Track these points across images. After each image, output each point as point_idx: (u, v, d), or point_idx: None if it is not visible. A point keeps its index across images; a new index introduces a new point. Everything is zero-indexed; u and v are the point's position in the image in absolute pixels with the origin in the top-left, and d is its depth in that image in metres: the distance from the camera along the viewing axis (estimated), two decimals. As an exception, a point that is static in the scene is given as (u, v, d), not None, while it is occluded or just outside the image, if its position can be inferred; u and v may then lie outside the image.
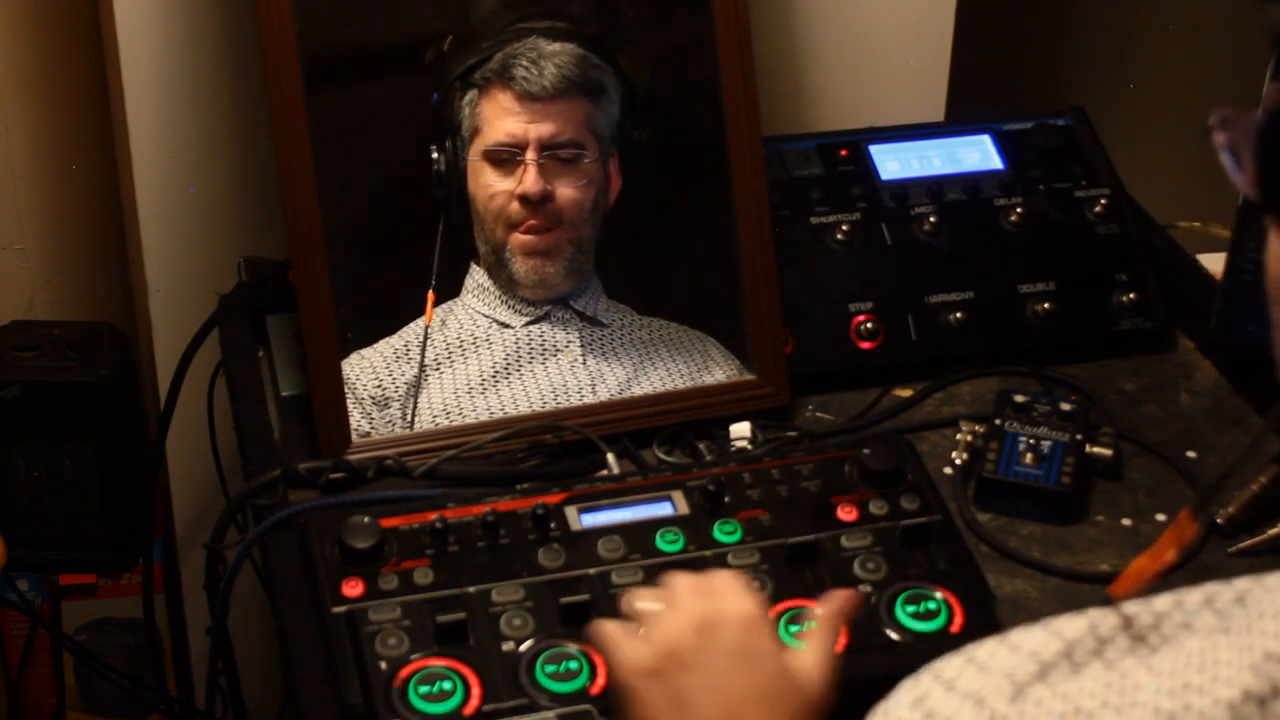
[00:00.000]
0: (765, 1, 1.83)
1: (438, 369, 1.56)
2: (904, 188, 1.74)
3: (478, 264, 1.60)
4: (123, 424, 1.91)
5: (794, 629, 1.33)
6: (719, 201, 1.62)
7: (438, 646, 1.30)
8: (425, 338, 1.56)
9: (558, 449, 1.55)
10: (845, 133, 1.79)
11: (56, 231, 2.08)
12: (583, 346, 1.59)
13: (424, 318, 1.57)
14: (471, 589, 1.34)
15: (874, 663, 1.33)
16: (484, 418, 1.55)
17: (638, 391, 1.58)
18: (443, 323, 1.57)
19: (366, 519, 1.37)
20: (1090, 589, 1.44)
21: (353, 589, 1.34)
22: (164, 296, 1.83)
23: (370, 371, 1.56)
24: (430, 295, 1.57)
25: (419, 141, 1.58)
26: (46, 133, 2.03)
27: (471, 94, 1.58)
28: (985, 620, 1.37)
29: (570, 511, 1.42)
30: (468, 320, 1.58)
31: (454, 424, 1.55)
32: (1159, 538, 1.12)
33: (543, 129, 1.57)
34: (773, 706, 1.10)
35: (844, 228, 1.70)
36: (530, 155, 1.57)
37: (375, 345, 1.57)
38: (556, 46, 1.58)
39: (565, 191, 1.58)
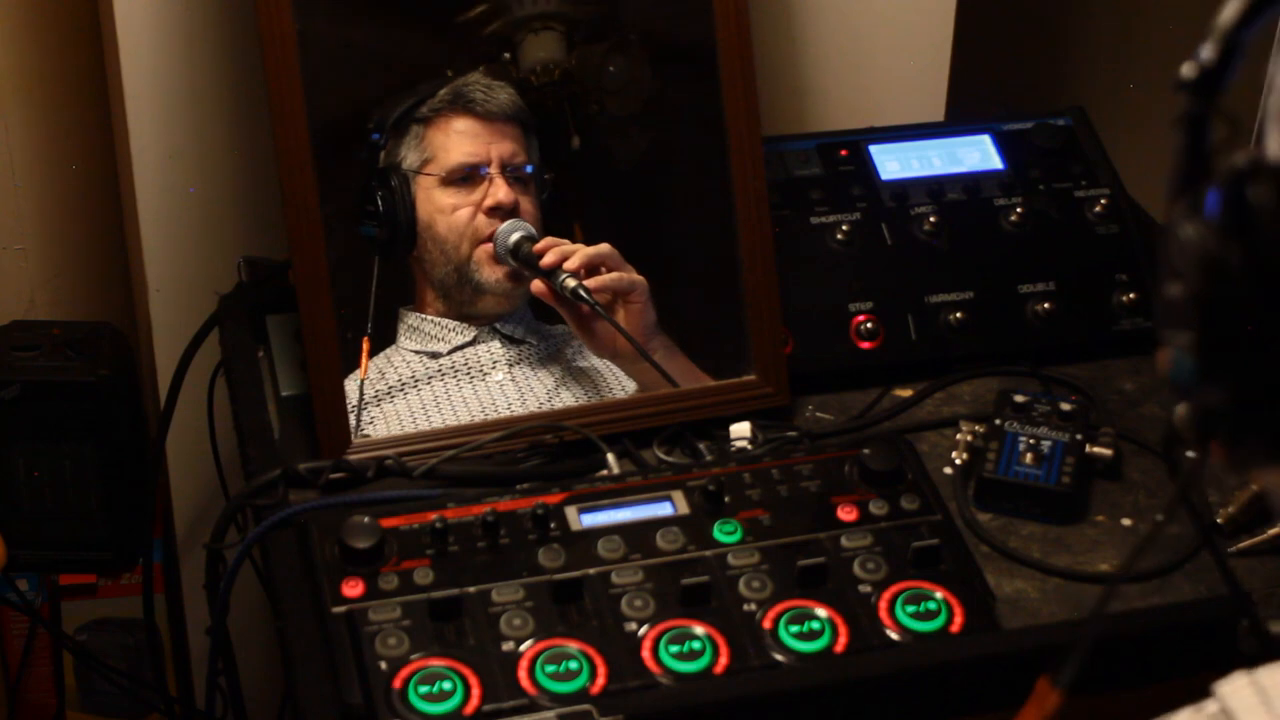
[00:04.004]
0: (765, 1, 1.83)
1: (379, 408, 1.58)
2: (904, 188, 1.74)
3: (408, 309, 1.62)
4: (123, 424, 1.91)
5: (794, 629, 1.33)
6: (719, 201, 1.62)
7: (438, 646, 1.30)
8: (360, 394, 1.57)
9: (558, 449, 1.55)
10: (845, 133, 1.79)
11: (56, 231, 2.08)
12: (509, 365, 1.61)
13: (359, 370, 1.58)
14: (471, 589, 1.34)
15: (874, 663, 1.33)
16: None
17: (565, 398, 1.59)
18: (381, 374, 1.59)
19: (366, 519, 1.37)
20: (1090, 589, 1.44)
21: (353, 589, 1.34)
22: (164, 296, 1.83)
23: None
24: (365, 343, 1.58)
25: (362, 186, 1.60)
26: (46, 133, 2.03)
27: (416, 129, 1.61)
28: (985, 620, 1.37)
29: (570, 511, 1.42)
30: (402, 363, 1.60)
31: (454, 424, 1.55)
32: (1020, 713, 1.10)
33: (502, 148, 1.62)
34: None
35: (844, 228, 1.70)
36: (494, 170, 1.61)
37: None
38: (498, 83, 1.62)
39: (526, 206, 1.62)
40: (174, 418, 1.79)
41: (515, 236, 1.60)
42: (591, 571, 1.37)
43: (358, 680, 1.28)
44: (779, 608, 1.35)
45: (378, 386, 1.58)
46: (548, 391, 1.60)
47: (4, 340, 1.90)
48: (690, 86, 1.65)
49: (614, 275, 1.59)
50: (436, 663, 1.28)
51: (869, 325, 1.67)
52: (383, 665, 1.28)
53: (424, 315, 1.62)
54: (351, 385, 1.57)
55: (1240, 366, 0.75)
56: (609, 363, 1.62)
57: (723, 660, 1.31)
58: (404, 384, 1.60)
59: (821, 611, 1.35)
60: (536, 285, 1.59)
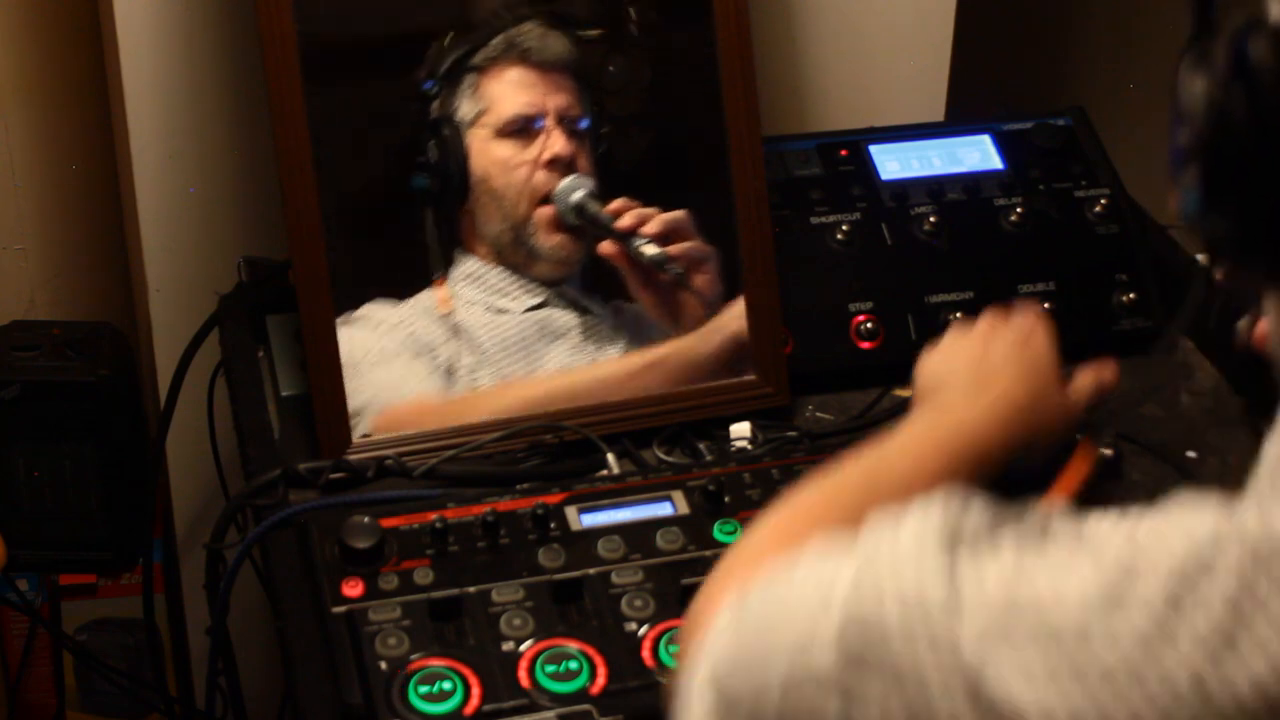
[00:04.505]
0: (765, 1, 1.83)
1: (458, 340, 1.55)
2: (904, 188, 1.74)
3: (466, 252, 1.59)
4: (123, 424, 1.91)
5: (794, 629, 1.33)
6: (719, 201, 1.62)
7: (438, 646, 1.30)
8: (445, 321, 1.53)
9: (558, 449, 1.55)
10: (845, 133, 1.79)
11: (56, 231, 2.08)
12: (583, 333, 1.59)
13: (436, 300, 1.54)
14: (471, 589, 1.34)
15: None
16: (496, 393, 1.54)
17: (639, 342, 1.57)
18: (450, 312, 1.56)
19: (366, 519, 1.37)
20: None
21: (353, 589, 1.34)
22: (164, 296, 1.83)
23: (400, 328, 1.55)
24: (439, 282, 1.55)
25: (413, 136, 1.58)
26: (46, 133, 2.03)
27: (470, 77, 1.58)
28: (985, 620, 1.37)
29: (570, 511, 1.42)
30: (463, 310, 1.58)
31: (454, 424, 1.55)
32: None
33: (559, 99, 1.58)
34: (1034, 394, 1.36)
35: (844, 228, 1.70)
36: (550, 122, 1.57)
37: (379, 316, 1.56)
38: (553, 31, 1.59)
39: (583, 161, 1.59)
40: (174, 418, 1.79)
41: (579, 194, 1.56)
42: (591, 571, 1.37)
43: (358, 680, 1.27)
44: (779, 608, 1.35)
45: (436, 330, 1.55)
46: (622, 349, 1.58)
47: (4, 340, 1.90)
48: (690, 86, 1.65)
49: (692, 243, 1.57)
50: (436, 663, 1.28)
51: (869, 325, 1.67)
52: (383, 665, 1.28)
53: (488, 265, 1.58)
54: (425, 323, 1.53)
55: (1239, 197, 0.86)
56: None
57: (723, 660, 1.31)
58: (467, 329, 1.56)
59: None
60: (606, 247, 1.56)
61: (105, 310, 2.05)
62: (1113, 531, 0.89)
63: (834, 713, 0.91)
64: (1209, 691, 0.81)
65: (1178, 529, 0.86)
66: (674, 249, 1.56)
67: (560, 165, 1.58)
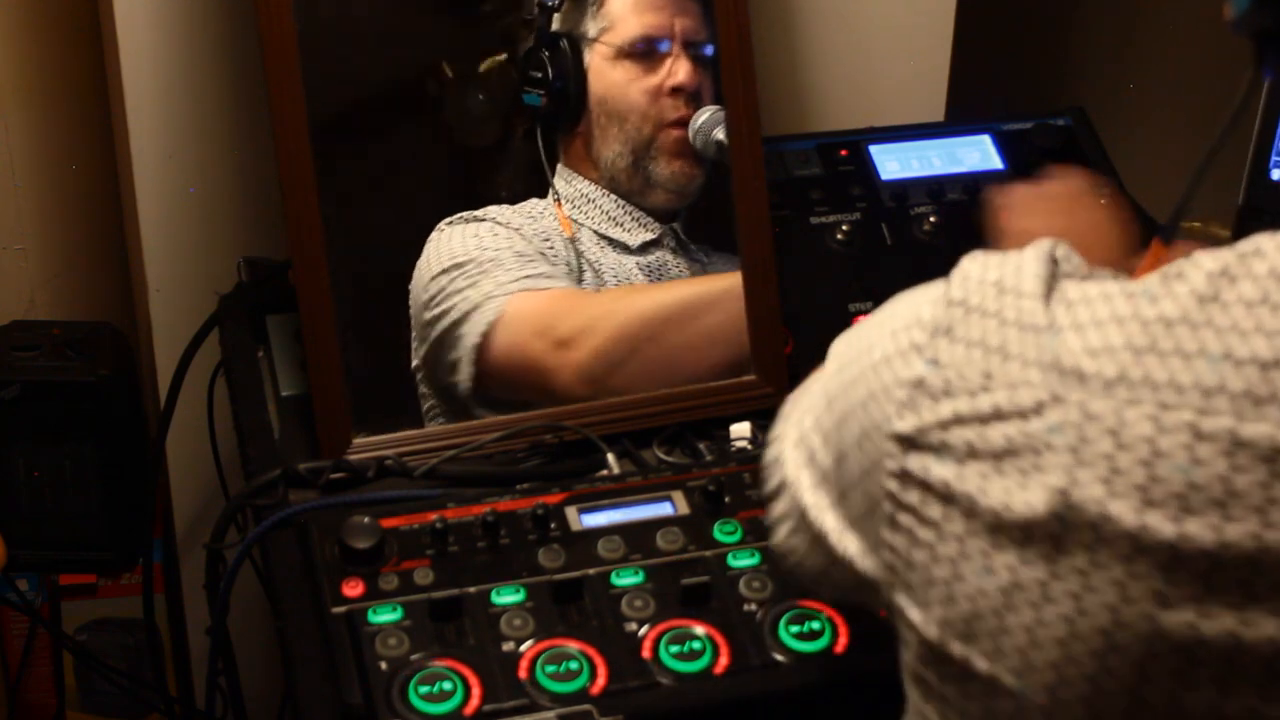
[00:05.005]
0: (765, 1, 1.83)
1: (584, 258, 1.53)
2: (904, 188, 1.75)
3: (576, 174, 1.54)
4: (123, 424, 1.91)
5: (794, 629, 1.33)
6: (719, 202, 1.62)
7: (438, 646, 1.30)
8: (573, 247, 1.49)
9: (558, 449, 1.55)
10: (845, 133, 1.79)
11: (56, 231, 2.08)
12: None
13: (559, 222, 1.50)
14: (471, 589, 1.34)
15: (874, 663, 1.33)
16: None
17: None
18: (574, 238, 1.51)
19: (366, 519, 1.37)
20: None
21: (353, 589, 1.34)
22: (164, 296, 1.83)
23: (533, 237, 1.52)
24: (559, 207, 1.49)
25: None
26: (46, 133, 2.03)
27: None
28: (985, 620, 1.37)
29: (570, 511, 1.42)
30: (583, 235, 1.52)
31: (454, 424, 1.55)
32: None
33: (685, 22, 1.55)
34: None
35: (844, 228, 1.70)
36: (677, 48, 1.54)
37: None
38: None
39: (706, 92, 1.56)
40: (174, 418, 1.79)
41: (721, 130, 1.52)
42: (591, 571, 1.37)
43: (358, 680, 1.27)
44: (779, 608, 1.35)
45: (560, 251, 1.52)
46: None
47: (4, 340, 1.90)
48: (690, 86, 1.65)
49: None
50: (436, 663, 1.28)
51: (869, 325, 1.67)
52: (383, 665, 1.28)
53: (598, 187, 1.53)
54: (554, 240, 1.50)
55: None
56: None
57: (723, 660, 1.31)
58: (594, 259, 1.52)
59: (821, 612, 1.35)
60: None
61: (105, 310, 2.05)
62: None
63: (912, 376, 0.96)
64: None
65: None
66: None
67: (684, 95, 1.54)
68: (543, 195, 1.56)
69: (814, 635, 1.34)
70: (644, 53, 1.54)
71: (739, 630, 1.33)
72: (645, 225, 1.55)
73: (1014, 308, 0.96)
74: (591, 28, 1.53)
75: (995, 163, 1.77)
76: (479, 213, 1.51)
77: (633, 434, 1.57)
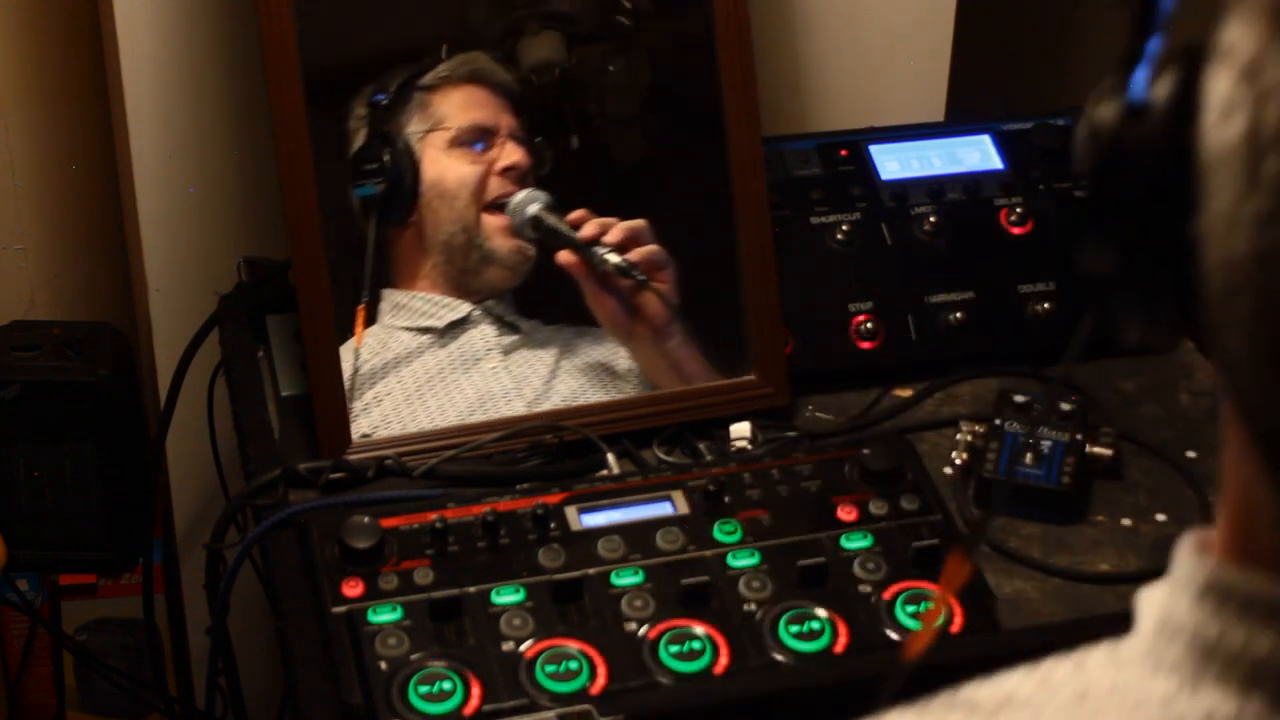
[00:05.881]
0: (765, 1, 1.83)
1: (373, 388, 1.56)
2: (904, 188, 1.74)
3: (393, 289, 1.60)
4: (123, 424, 1.91)
5: (794, 629, 1.33)
6: (719, 201, 1.62)
7: (438, 646, 1.30)
8: (356, 361, 1.55)
9: (558, 449, 1.55)
10: (845, 133, 1.79)
11: (56, 231, 2.08)
12: (503, 353, 1.59)
13: (353, 340, 1.55)
14: (471, 589, 1.34)
15: (874, 663, 1.33)
16: (414, 429, 1.55)
17: (560, 388, 1.58)
18: (373, 351, 1.57)
19: (366, 519, 1.37)
20: (1090, 589, 1.44)
21: (353, 589, 1.34)
22: (164, 296, 1.83)
23: None
24: (360, 312, 1.56)
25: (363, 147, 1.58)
26: (46, 133, 2.03)
27: (420, 96, 1.59)
28: (985, 620, 1.37)
29: (570, 511, 1.42)
30: (395, 342, 1.58)
31: (454, 424, 1.55)
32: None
33: (509, 119, 1.61)
34: None
35: (844, 228, 1.70)
36: (504, 137, 1.59)
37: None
38: (499, 65, 1.61)
39: (533, 179, 1.60)
40: (174, 418, 1.79)
41: (535, 206, 1.57)
42: (591, 571, 1.37)
43: (358, 680, 1.28)
44: (779, 608, 1.35)
45: (373, 364, 1.56)
46: (543, 382, 1.58)
47: (4, 340, 1.90)
48: (690, 86, 1.65)
49: (653, 248, 1.57)
50: (436, 663, 1.28)
51: (869, 325, 1.67)
52: (383, 665, 1.28)
53: (413, 292, 1.59)
54: (345, 355, 1.54)
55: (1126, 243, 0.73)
56: (605, 360, 1.61)
57: (723, 660, 1.31)
58: (398, 361, 1.57)
59: (821, 611, 1.35)
60: (565, 257, 1.56)
61: (105, 310, 2.05)
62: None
63: None
64: None
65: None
66: (634, 254, 1.57)
67: (515, 175, 1.59)
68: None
69: (814, 635, 1.34)
70: (475, 141, 1.59)
71: (739, 630, 1.33)
72: (454, 308, 1.59)
73: None
74: (421, 124, 1.59)
75: (995, 163, 1.77)
76: None
77: (633, 434, 1.57)
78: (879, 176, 1.75)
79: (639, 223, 1.58)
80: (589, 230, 1.57)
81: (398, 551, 1.37)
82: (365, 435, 1.54)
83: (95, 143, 2.02)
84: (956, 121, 1.87)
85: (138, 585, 2.05)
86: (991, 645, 1.36)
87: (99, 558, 1.97)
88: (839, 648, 1.33)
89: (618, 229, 1.57)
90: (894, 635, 1.35)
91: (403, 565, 1.36)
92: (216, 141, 1.78)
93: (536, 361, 1.60)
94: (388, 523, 1.38)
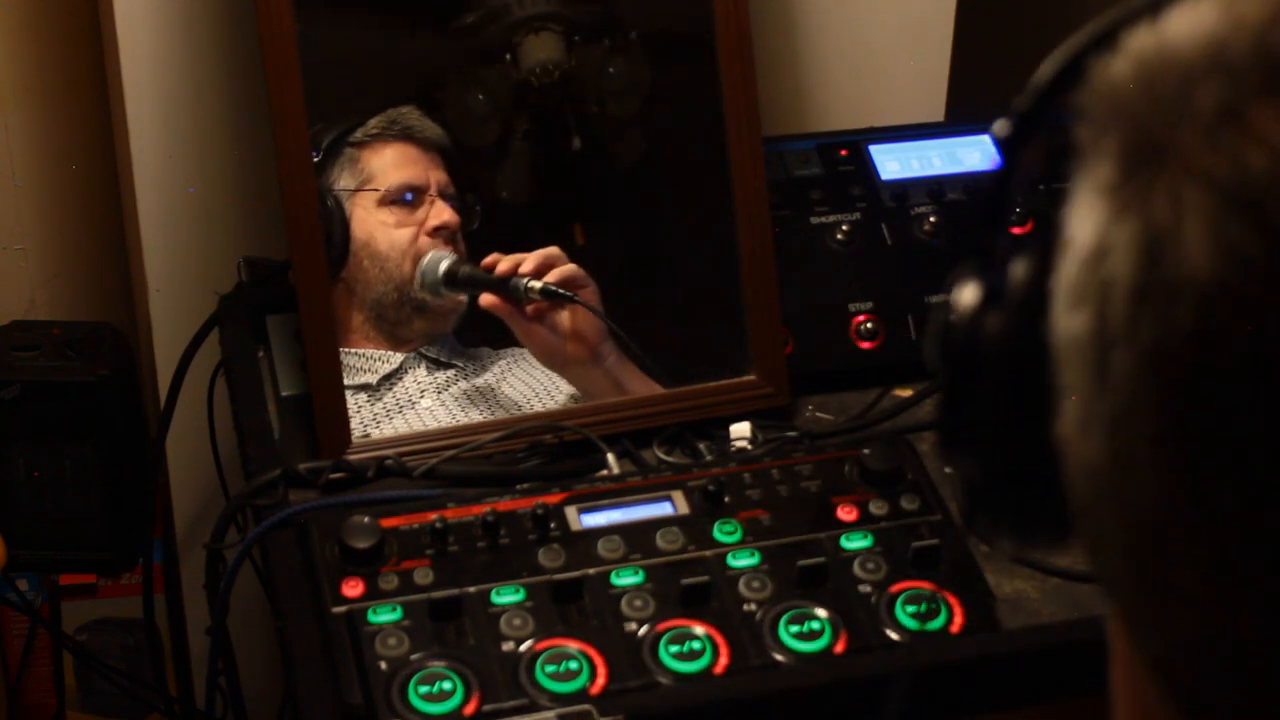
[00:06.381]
0: (765, 1, 1.83)
1: None
2: (904, 188, 1.74)
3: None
4: (123, 424, 1.91)
5: (794, 629, 1.33)
6: (719, 201, 1.62)
7: (438, 646, 1.30)
8: None
9: (558, 449, 1.55)
10: (845, 133, 1.79)
11: (56, 231, 2.08)
12: (437, 390, 1.60)
13: None
14: (471, 589, 1.34)
15: (874, 663, 1.33)
16: None
17: (500, 413, 1.58)
18: None
19: (366, 519, 1.37)
20: (1090, 589, 1.44)
21: (353, 589, 1.34)
22: (164, 296, 1.83)
23: None
24: None
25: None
26: (46, 133, 2.03)
27: (350, 152, 1.60)
28: (985, 620, 1.37)
29: (570, 511, 1.42)
30: None
31: (454, 424, 1.55)
32: None
33: (439, 175, 1.62)
34: None
35: (844, 228, 1.70)
36: (434, 195, 1.61)
37: None
38: (428, 119, 1.62)
39: (460, 238, 1.61)
40: (174, 418, 1.79)
41: (445, 264, 1.58)
42: (591, 571, 1.37)
43: (358, 680, 1.27)
44: (779, 608, 1.35)
45: None
46: (480, 412, 1.59)
47: (4, 340, 1.90)
48: (690, 87, 1.65)
49: (570, 268, 1.58)
50: (436, 663, 1.28)
51: (869, 325, 1.67)
52: (383, 665, 1.28)
53: (347, 349, 1.60)
54: None
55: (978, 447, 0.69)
56: (541, 382, 1.61)
57: (723, 660, 1.31)
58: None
59: (821, 611, 1.35)
60: (487, 299, 1.57)
61: (105, 310, 2.05)
62: None
63: None
64: None
65: None
66: (552, 276, 1.57)
67: (445, 234, 1.60)
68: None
69: (814, 635, 1.34)
70: (404, 200, 1.60)
71: (739, 630, 1.33)
72: (386, 360, 1.60)
73: None
74: (350, 180, 1.60)
75: (995, 163, 1.77)
76: None
77: (633, 434, 1.57)
78: (879, 176, 1.75)
79: (551, 249, 1.58)
80: (504, 266, 1.57)
81: (398, 551, 1.37)
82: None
83: (95, 143, 2.02)
84: (956, 121, 1.87)
85: (138, 585, 2.05)
86: (991, 645, 1.36)
87: (99, 558, 1.97)
88: (839, 648, 1.33)
89: (531, 258, 1.57)
90: (894, 635, 1.35)
91: (403, 565, 1.36)
92: (216, 141, 1.78)
93: (474, 393, 1.60)
94: (388, 523, 1.38)
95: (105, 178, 2.03)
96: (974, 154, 1.78)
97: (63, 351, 1.88)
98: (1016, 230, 1.74)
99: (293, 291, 1.54)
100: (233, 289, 1.72)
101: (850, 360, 1.67)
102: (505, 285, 1.57)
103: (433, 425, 1.57)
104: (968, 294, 0.66)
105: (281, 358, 1.64)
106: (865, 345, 1.67)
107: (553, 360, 1.60)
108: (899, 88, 1.94)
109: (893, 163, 1.76)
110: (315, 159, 1.57)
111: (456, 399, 1.60)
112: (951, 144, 1.78)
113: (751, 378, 1.62)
